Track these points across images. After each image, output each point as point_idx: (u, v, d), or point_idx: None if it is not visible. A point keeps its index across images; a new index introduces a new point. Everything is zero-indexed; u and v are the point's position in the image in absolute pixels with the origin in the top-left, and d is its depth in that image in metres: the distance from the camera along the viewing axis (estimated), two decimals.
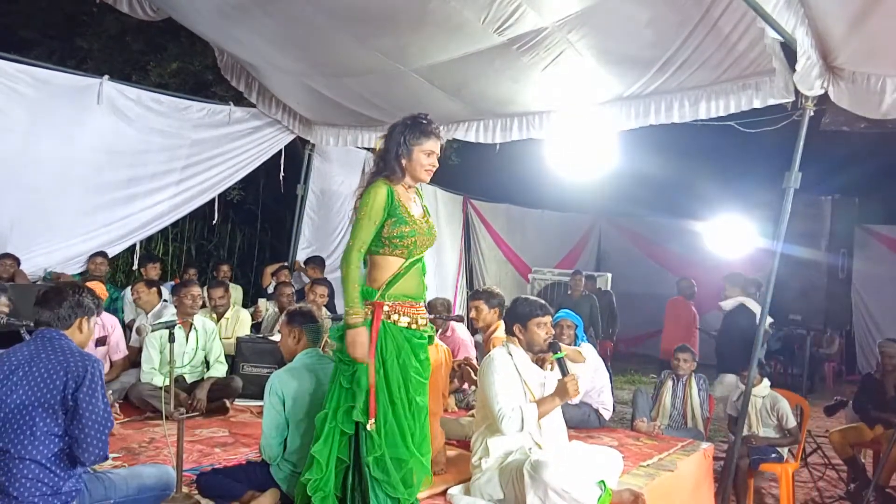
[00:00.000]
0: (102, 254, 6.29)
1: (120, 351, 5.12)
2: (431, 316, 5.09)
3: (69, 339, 2.68)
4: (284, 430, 3.07)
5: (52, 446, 2.52)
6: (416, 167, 2.78)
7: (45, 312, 2.68)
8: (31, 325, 2.78)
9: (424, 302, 2.90)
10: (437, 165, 2.85)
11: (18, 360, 2.57)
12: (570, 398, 3.35)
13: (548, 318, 3.44)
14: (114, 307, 6.25)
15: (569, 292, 8.85)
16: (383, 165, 2.79)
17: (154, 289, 5.52)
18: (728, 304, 6.30)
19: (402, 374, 2.69)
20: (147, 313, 5.41)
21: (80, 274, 6.36)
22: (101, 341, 4.91)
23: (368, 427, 2.60)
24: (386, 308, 2.69)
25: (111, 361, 5.06)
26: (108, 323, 5.03)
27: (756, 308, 5.79)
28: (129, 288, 6.78)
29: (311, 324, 3.35)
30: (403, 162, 2.77)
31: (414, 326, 2.76)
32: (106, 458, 2.63)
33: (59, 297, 2.71)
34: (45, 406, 2.50)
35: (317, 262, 7.69)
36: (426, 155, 2.78)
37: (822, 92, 4.21)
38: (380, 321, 2.67)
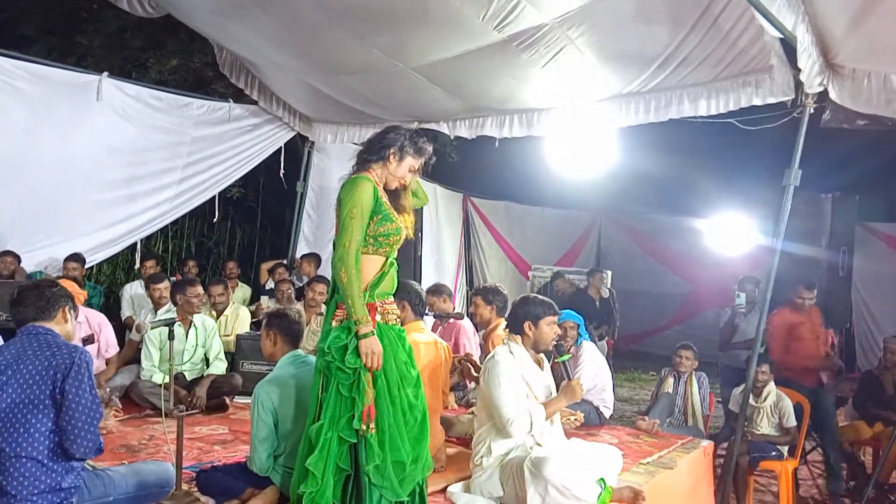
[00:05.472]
0: (78, 259, 6.03)
1: (112, 347, 5.09)
2: (431, 314, 5.10)
3: (55, 333, 2.66)
4: (274, 442, 3.03)
5: (48, 443, 2.51)
6: (401, 173, 2.81)
7: (29, 309, 2.66)
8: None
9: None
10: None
11: (6, 360, 2.55)
12: (576, 400, 3.42)
13: (556, 318, 3.48)
14: (90, 303, 5.95)
15: (559, 293, 8.84)
16: (368, 157, 2.77)
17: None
18: None
19: (399, 373, 2.69)
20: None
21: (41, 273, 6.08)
22: (89, 339, 4.86)
23: (369, 432, 2.56)
24: (378, 308, 2.68)
25: (106, 360, 5.04)
26: (93, 321, 4.98)
27: None
28: (128, 284, 6.80)
29: (288, 327, 3.30)
30: (393, 163, 2.79)
31: (393, 322, 2.78)
32: (101, 450, 2.59)
33: (38, 290, 2.71)
34: (36, 404, 2.49)
35: (312, 257, 7.57)
36: (410, 170, 2.84)
37: (822, 89, 4.20)
38: (375, 323, 2.64)
